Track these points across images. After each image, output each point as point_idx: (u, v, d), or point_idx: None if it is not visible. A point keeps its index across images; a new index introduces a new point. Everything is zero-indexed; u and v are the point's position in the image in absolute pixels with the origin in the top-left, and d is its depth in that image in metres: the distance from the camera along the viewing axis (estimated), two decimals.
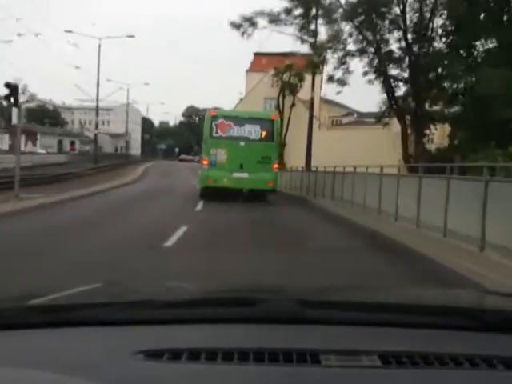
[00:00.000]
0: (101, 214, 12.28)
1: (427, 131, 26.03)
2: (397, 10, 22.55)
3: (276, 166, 16.73)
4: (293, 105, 39.22)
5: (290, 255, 6.89)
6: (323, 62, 24.89)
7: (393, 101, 24.16)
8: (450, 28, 21.69)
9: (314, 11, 23.84)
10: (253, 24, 24.18)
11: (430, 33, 22.24)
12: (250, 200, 15.61)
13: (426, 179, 10.37)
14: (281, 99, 39.82)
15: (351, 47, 23.68)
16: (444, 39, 22.17)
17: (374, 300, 1.51)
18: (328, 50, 23.36)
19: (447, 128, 27.99)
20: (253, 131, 16.29)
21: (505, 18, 19.95)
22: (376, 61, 23.67)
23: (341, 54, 23.82)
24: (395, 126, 30.97)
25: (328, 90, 70.27)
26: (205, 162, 16.61)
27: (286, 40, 72.11)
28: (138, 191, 21.25)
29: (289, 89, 39.41)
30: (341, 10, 23.11)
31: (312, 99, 26.15)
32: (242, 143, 16.14)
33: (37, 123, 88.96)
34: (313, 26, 24.10)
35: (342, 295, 1.64)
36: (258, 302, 1.26)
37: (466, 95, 20.44)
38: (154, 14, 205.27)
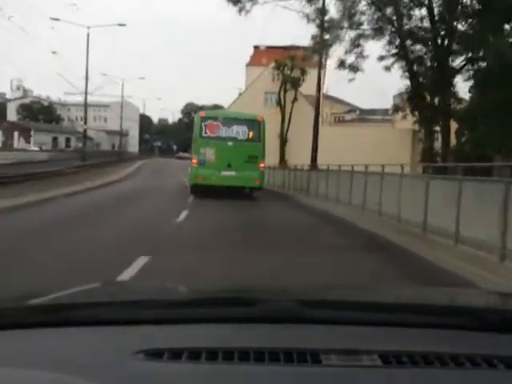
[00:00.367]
0: (48, 232, 8.77)
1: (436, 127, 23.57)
2: None
3: (262, 165, 17.59)
4: (295, 99, 37.31)
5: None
6: (326, 54, 22.42)
7: (416, 89, 21.28)
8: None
9: None
10: None
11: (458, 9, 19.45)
12: (237, 197, 16.14)
13: (469, 183, 8.35)
14: (282, 94, 37.90)
15: (365, 28, 21.03)
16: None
17: (375, 300, 1.51)
18: (339, 30, 20.79)
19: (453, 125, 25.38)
20: (240, 132, 17.20)
21: None
22: (397, 41, 20.81)
23: (353, 34, 21.14)
24: (399, 122, 28.97)
25: (330, 86, 68.32)
26: (194, 161, 17.47)
27: (287, 32, 70.33)
28: (119, 193, 18.88)
29: (291, 83, 37.47)
30: None
31: (319, 84, 23.20)
32: (230, 143, 17.03)
33: (32, 120, 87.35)
34: (321, 2, 21.39)
35: (342, 295, 1.64)
36: (258, 302, 1.27)
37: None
38: (146, 7, 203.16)
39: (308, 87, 36.21)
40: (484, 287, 4.83)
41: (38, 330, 1.16)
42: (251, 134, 17.24)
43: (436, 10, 20.23)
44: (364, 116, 63.14)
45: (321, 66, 23.24)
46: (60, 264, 5.93)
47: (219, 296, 1.50)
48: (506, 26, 19.05)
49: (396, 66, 21.69)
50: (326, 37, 21.40)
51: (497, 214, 6.92)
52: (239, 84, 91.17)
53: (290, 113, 37.54)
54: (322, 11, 21.46)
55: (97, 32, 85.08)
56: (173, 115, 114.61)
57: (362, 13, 20.80)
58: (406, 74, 21.45)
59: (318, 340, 1.11)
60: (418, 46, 21.40)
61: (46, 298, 1.42)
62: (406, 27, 20.81)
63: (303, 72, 36.53)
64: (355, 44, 21.10)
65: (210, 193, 16.37)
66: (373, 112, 62.72)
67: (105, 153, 62.67)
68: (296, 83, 37.52)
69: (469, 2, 19.93)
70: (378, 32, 20.85)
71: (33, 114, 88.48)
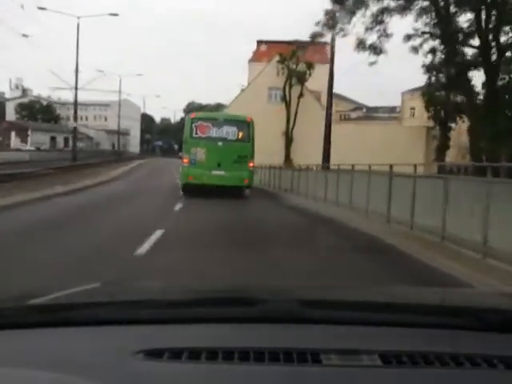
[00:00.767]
0: None
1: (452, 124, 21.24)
2: None
3: (251, 164, 17.99)
4: (301, 95, 35.20)
5: None
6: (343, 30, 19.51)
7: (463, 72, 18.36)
8: None
9: None
10: None
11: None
12: (227, 195, 16.48)
13: (502, 186, 7.14)
14: (287, 89, 35.75)
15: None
16: None
17: (375, 299, 1.51)
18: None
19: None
20: (230, 132, 17.56)
21: None
22: (432, 14, 17.53)
23: (375, 8, 18.12)
24: (406, 120, 26.92)
25: (335, 84, 66.19)
26: (185, 161, 17.89)
27: (286, 32, 68.61)
28: (93, 202, 14.99)
29: (296, 77, 35.34)
30: None
31: (332, 72, 20.38)
32: (220, 143, 17.43)
33: (30, 119, 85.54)
34: None
35: (342, 295, 1.64)
36: (257, 302, 1.27)
37: None
38: (147, 7, 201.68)
39: (315, 82, 34.15)
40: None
41: (38, 329, 1.16)
42: (241, 134, 17.69)
43: None
44: (370, 114, 61.35)
45: (333, 55, 20.87)
46: None
47: (219, 296, 1.50)
48: None
49: (425, 46, 18.78)
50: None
51: None
52: (242, 81, 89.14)
53: (296, 109, 35.54)
54: None
55: (96, 31, 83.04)
56: (174, 114, 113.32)
57: None
58: (439, 56, 18.29)
59: (318, 340, 1.12)
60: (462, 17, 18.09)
61: (46, 297, 1.43)
62: None
63: (309, 66, 34.47)
64: (377, 20, 18.20)
65: (201, 193, 16.42)
66: (378, 110, 61.19)
67: (103, 152, 61.39)
68: (302, 78, 35.59)
69: None
70: (405, 5, 17.65)
71: (31, 114, 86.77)
